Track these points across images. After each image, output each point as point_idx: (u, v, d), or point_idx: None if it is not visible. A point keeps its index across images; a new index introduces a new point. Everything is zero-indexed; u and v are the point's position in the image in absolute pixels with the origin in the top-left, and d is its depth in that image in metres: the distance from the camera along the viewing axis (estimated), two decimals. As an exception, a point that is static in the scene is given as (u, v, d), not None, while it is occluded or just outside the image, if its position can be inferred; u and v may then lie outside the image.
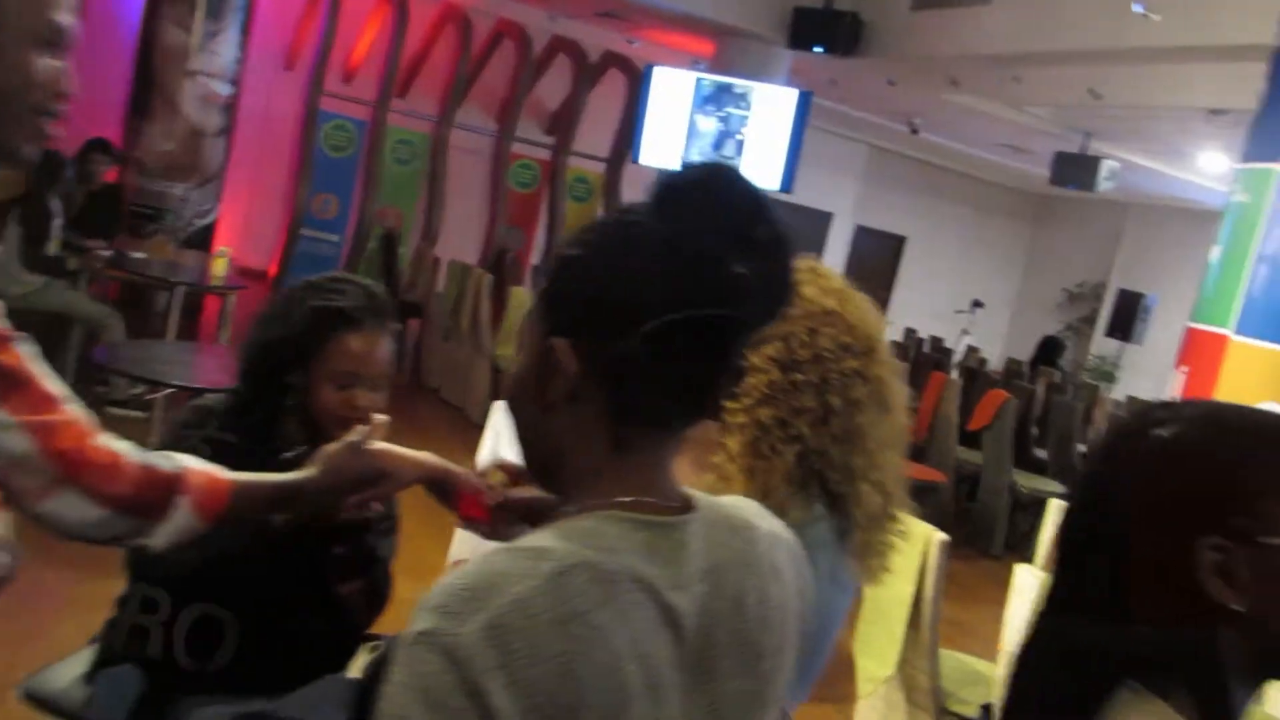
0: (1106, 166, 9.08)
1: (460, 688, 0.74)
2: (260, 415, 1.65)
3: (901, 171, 14.40)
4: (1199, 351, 4.54)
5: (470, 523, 1.33)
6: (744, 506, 1.00)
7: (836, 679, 2.99)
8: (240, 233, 9.10)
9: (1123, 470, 0.88)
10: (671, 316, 0.83)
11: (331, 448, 1.35)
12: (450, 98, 9.92)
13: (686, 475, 1.50)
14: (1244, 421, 0.88)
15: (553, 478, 0.94)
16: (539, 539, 0.84)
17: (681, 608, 0.85)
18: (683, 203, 0.86)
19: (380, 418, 1.51)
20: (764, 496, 1.37)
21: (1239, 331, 4.32)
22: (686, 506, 0.91)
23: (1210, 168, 9.69)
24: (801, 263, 1.48)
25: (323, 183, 9.55)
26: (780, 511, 1.38)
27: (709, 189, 0.86)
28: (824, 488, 1.41)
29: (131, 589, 1.67)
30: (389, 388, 1.69)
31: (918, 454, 6.94)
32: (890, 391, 1.42)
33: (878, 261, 14.96)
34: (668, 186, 0.87)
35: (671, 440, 0.92)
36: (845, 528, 1.40)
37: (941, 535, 2.64)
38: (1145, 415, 0.91)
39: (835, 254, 14.27)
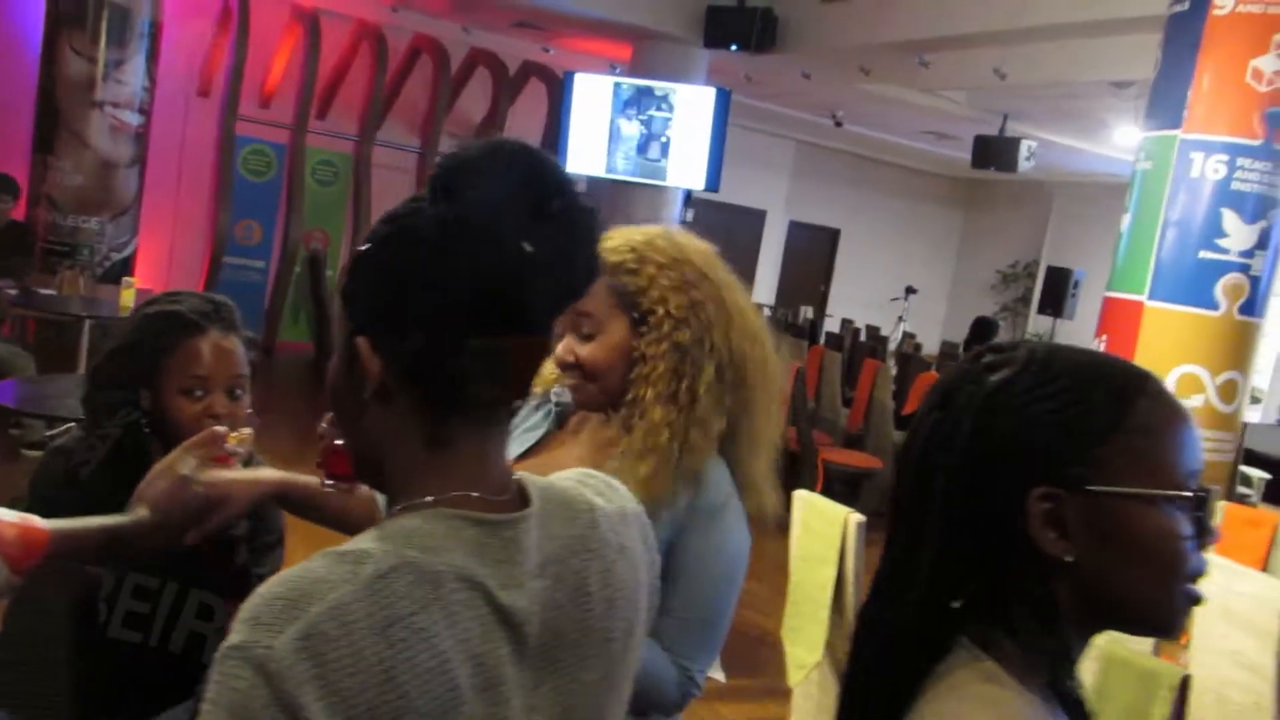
0: (1025, 146, 9.19)
1: (274, 702, 0.71)
2: (119, 445, 1.58)
3: (830, 165, 14.50)
4: (1116, 319, 4.60)
5: (337, 480, 1.29)
6: (587, 484, 0.97)
7: (782, 675, 2.96)
8: (162, 264, 8.92)
9: (954, 418, 0.84)
10: (452, 306, 0.80)
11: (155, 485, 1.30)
12: (370, 116, 9.82)
13: (596, 434, 1.51)
14: (1075, 364, 0.84)
15: (377, 478, 0.90)
16: (361, 541, 0.80)
17: (518, 607, 0.82)
18: (462, 184, 0.81)
19: (245, 432, 1.47)
20: (687, 417, 1.43)
21: (1152, 297, 4.37)
22: (520, 498, 0.88)
23: (1125, 141, 9.85)
24: (676, 230, 1.58)
25: (244, 209, 9.38)
26: (692, 451, 1.42)
27: (489, 167, 0.81)
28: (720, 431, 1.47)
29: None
30: (249, 392, 1.64)
31: (855, 442, 6.98)
32: (767, 352, 1.54)
33: (813, 255, 15.06)
34: (445, 169, 0.82)
35: (496, 431, 0.88)
36: (734, 466, 1.49)
37: (858, 516, 2.64)
38: (979, 359, 0.87)
39: (771, 251, 14.32)
